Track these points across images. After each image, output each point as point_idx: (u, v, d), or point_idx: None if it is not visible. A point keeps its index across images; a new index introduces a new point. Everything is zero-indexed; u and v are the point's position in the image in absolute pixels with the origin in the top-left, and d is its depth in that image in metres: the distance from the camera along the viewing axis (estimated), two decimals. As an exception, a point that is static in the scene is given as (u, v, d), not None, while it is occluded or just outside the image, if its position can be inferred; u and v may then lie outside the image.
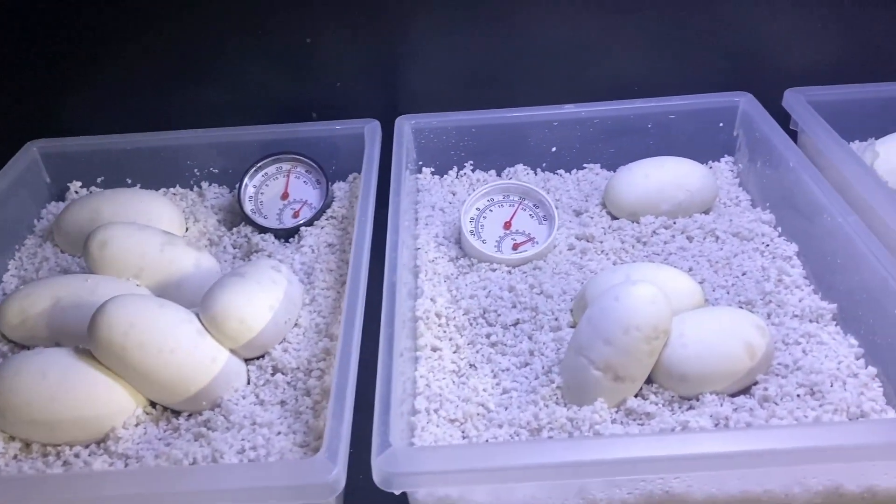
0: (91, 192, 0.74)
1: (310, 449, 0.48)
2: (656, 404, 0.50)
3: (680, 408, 0.50)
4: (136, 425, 0.51)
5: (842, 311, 0.55)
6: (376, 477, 0.40)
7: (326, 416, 0.43)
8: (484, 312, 0.59)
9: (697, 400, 0.50)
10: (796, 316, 0.56)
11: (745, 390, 0.51)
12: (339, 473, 0.40)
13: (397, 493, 0.41)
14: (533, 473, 0.40)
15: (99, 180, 0.75)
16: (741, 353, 0.49)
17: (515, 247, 0.65)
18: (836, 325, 0.55)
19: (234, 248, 0.68)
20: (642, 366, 0.49)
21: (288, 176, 0.71)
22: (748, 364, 0.49)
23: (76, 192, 0.75)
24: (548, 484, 0.43)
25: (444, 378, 0.53)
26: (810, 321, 0.55)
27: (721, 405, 0.49)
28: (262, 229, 0.68)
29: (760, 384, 0.50)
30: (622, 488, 0.43)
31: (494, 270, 0.63)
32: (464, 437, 0.49)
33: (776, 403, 0.49)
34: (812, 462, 0.41)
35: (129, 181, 0.75)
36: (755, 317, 0.52)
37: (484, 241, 0.65)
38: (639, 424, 0.49)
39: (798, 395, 0.49)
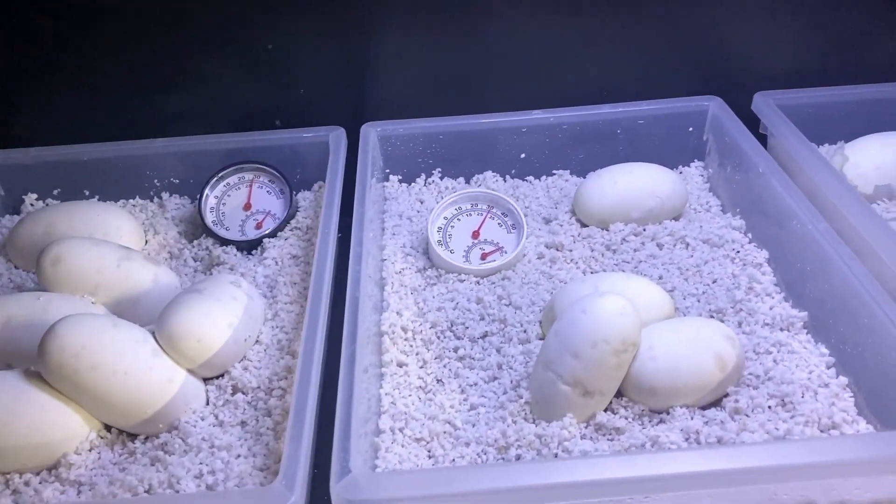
0: (47, 205, 0.72)
1: (270, 472, 0.46)
2: (626, 418, 0.49)
3: (650, 422, 0.49)
4: (90, 450, 0.49)
5: (813, 319, 0.54)
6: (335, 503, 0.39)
7: (286, 441, 0.42)
8: (451, 325, 0.57)
9: (668, 413, 0.49)
10: (767, 324, 0.55)
11: (717, 402, 0.50)
12: (295, 502, 0.38)
13: (358, 518, 0.40)
14: (498, 498, 0.39)
15: (55, 192, 0.73)
16: (711, 365, 0.48)
17: (484, 256, 0.64)
18: (807, 333, 0.54)
19: (196, 260, 0.66)
20: (611, 380, 0.48)
21: (251, 186, 0.69)
22: (719, 376, 0.48)
23: (31, 205, 0.72)
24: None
25: (409, 395, 0.52)
26: (781, 330, 0.54)
27: (692, 419, 0.48)
28: (224, 241, 0.67)
29: (731, 396, 0.49)
30: (590, 508, 0.42)
31: (462, 281, 0.62)
32: (430, 457, 0.48)
33: (747, 416, 0.48)
34: (785, 480, 0.41)
35: (87, 193, 0.73)
36: (725, 327, 0.51)
37: (452, 252, 0.64)
38: (609, 440, 0.48)
39: (769, 407, 0.49)
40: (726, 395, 0.50)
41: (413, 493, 0.39)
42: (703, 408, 0.49)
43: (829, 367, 0.51)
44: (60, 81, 0.73)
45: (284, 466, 0.40)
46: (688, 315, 0.57)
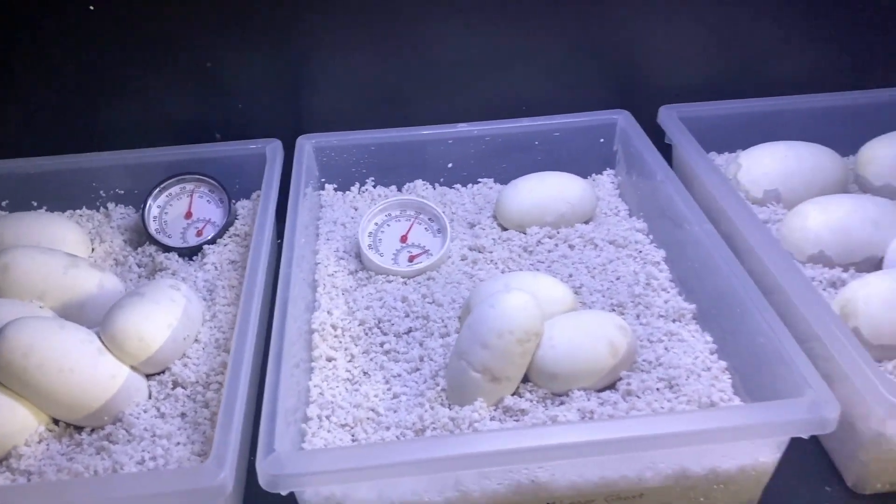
0: (-5, 216, 0.75)
1: (207, 457, 0.50)
2: (531, 401, 0.54)
3: (552, 403, 0.54)
4: (39, 442, 0.53)
5: (700, 310, 0.61)
6: (261, 480, 0.43)
7: (217, 429, 0.46)
8: (379, 322, 0.62)
9: (567, 396, 0.54)
10: (661, 316, 0.61)
11: (611, 386, 0.56)
12: (225, 478, 0.43)
13: (284, 493, 0.45)
14: (404, 469, 0.44)
15: (3, 204, 0.76)
16: (605, 352, 0.54)
17: (411, 259, 0.69)
18: (695, 323, 0.60)
19: (139, 266, 0.70)
20: (517, 367, 0.54)
21: (191, 196, 0.74)
22: (612, 362, 0.54)
23: (-21, 216, 0.75)
24: (426, 478, 0.47)
25: (337, 386, 0.57)
26: (673, 321, 0.61)
27: (588, 400, 0.54)
28: (167, 248, 0.71)
29: (624, 379, 0.55)
30: (493, 479, 0.47)
31: (391, 282, 0.67)
32: (353, 440, 0.52)
33: (638, 397, 0.54)
34: (660, 447, 0.46)
35: (35, 204, 0.76)
36: (619, 318, 0.57)
37: (381, 255, 0.69)
38: (514, 420, 0.53)
39: (657, 389, 0.55)
40: (620, 379, 0.55)
41: (329, 467, 0.44)
42: (599, 390, 0.55)
43: (711, 353, 0.57)
44: (6, 96, 0.76)
45: (216, 447, 0.44)
46: (593, 308, 0.63)
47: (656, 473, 0.49)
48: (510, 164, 0.78)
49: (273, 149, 0.75)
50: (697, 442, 0.46)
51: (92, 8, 0.71)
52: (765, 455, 0.49)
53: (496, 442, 0.45)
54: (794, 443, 0.55)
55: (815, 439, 0.57)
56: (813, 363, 0.49)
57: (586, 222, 0.73)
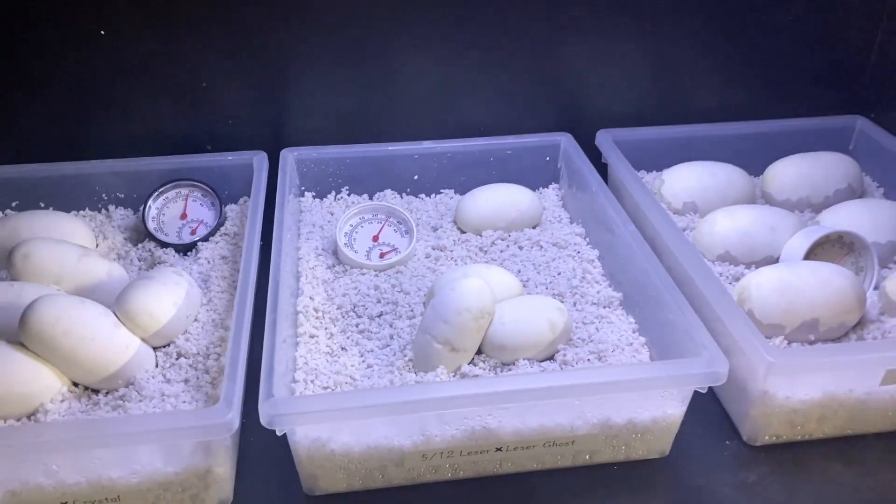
0: (6, 215, 0.83)
1: (210, 411, 0.60)
2: (484, 369, 0.65)
3: (501, 371, 0.65)
4: (62, 401, 0.61)
5: (626, 298, 0.72)
6: (263, 419, 0.53)
7: (223, 382, 0.56)
8: (354, 307, 0.72)
9: (514, 365, 0.65)
10: (594, 303, 0.72)
11: (551, 357, 0.66)
12: (233, 417, 0.52)
13: (279, 433, 0.54)
14: (377, 410, 0.54)
15: (14, 204, 0.84)
16: (545, 328, 0.65)
17: (382, 255, 0.79)
18: (621, 308, 0.72)
19: (140, 260, 0.79)
20: (472, 340, 0.64)
21: (186, 199, 0.83)
22: (550, 337, 0.65)
23: (-7, 215, 0.84)
24: (396, 423, 0.57)
25: (319, 358, 0.66)
26: (603, 307, 0.72)
27: (531, 367, 0.65)
28: (164, 244, 0.80)
29: (561, 352, 0.66)
30: (451, 425, 0.58)
31: (364, 275, 0.77)
32: (334, 399, 0.62)
33: (572, 366, 0.65)
34: (584, 395, 0.57)
35: (42, 205, 0.84)
36: (557, 302, 0.68)
37: (356, 251, 0.79)
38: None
39: (588, 360, 0.65)
40: (558, 352, 0.66)
41: (317, 408, 0.53)
42: (541, 361, 0.66)
43: (634, 332, 0.69)
44: (23, 108, 0.85)
45: (224, 394, 0.54)
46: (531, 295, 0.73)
47: (585, 422, 0.59)
48: (468, 177, 0.89)
49: (259, 160, 0.85)
50: (613, 391, 0.57)
51: (103, 33, 0.81)
52: (672, 407, 0.60)
53: (451, 389, 0.56)
54: (701, 403, 0.67)
55: (717, 401, 0.68)
56: (714, 338, 0.60)
57: (534, 227, 0.84)
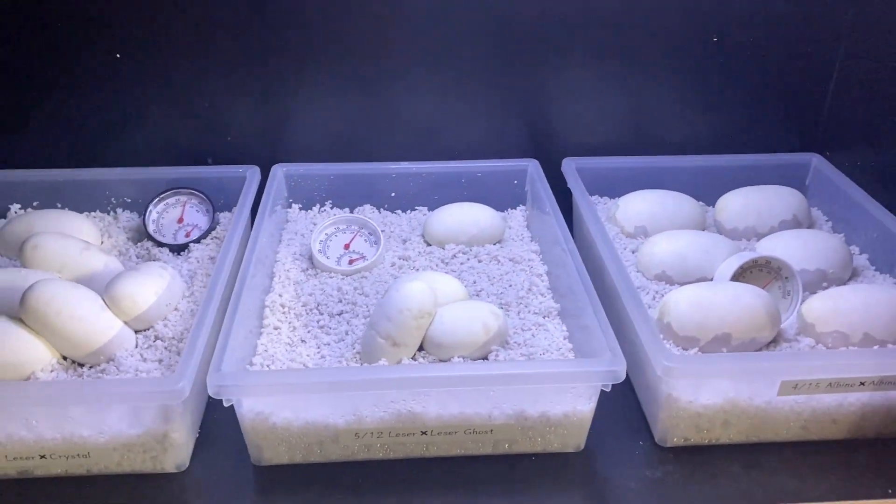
0: (27, 212, 0.94)
1: (174, 386, 0.68)
2: (422, 364, 0.72)
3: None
4: (51, 371, 0.70)
5: (563, 309, 0.79)
6: (210, 389, 0.61)
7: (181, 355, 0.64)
8: (318, 305, 0.81)
9: (450, 361, 0.72)
10: (535, 313, 0.79)
11: (485, 357, 0.73)
12: (184, 385, 0.60)
13: (226, 403, 0.62)
14: (309, 387, 0.62)
15: (35, 204, 0.95)
16: (479, 330, 0.72)
17: (351, 262, 0.88)
18: (558, 318, 0.78)
19: (138, 257, 0.89)
20: (413, 336, 0.72)
21: (184, 205, 0.93)
22: (484, 337, 0.72)
23: (15, 212, 0.94)
24: (331, 402, 0.64)
25: (279, 347, 0.74)
26: (543, 316, 0.79)
27: (463, 364, 0.72)
28: (160, 244, 0.89)
29: (494, 352, 0.73)
30: (379, 408, 0.65)
31: (332, 278, 0.85)
32: (285, 382, 0.70)
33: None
34: (498, 384, 0.64)
35: (59, 205, 0.95)
36: (493, 307, 0.75)
37: (328, 257, 0.88)
38: (407, 376, 0.71)
39: (519, 360, 0.72)
40: (491, 352, 0.73)
41: (257, 381, 0.62)
42: (474, 359, 0.73)
43: (564, 339, 0.75)
44: (45, 121, 0.96)
45: (179, 364, 0.62)
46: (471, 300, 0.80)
47: (501, 413, 0.66)
48: (441, 196, 0.97)
49: (252, 173, 0.94)
50: (519, 382, 0.63)
51: (119, 56, 0.92)
52: (581, 404, 0.66)
53: (379, 372, 0.63)
54: (621, 405, 0.73)
55: (637, 404, 0.74)
56: (631, 346, 0.66)
57: (495, 244, 0.92)
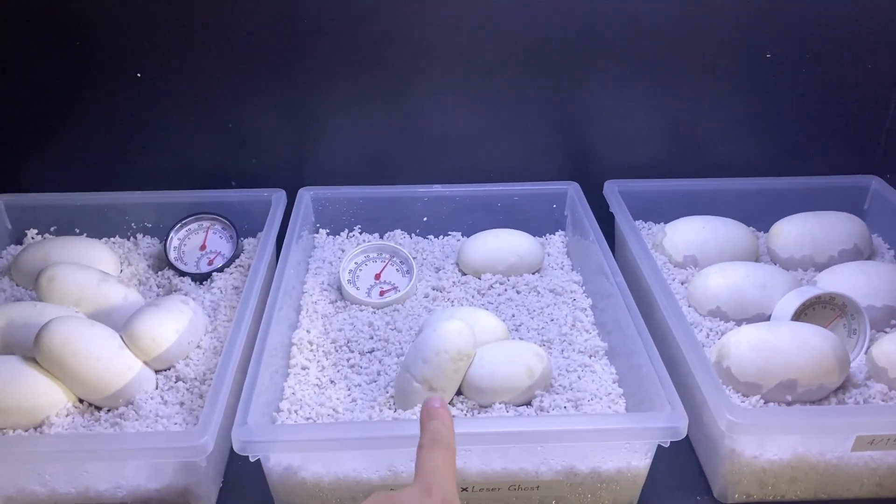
0: (44, 238, 0.90)
1: (197, 434, 0.64)
2: (461, 410, 0.67)
3: (478, 412, 0.67)
4: (66, 416, 0.66)
5: (611, 348, 0.73)
6: (235, 445, 0.56)
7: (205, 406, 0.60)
8: (348, 342, 0.76)
9: (490, 408, 0.67)
10: (581, 352, 0.74)
11: (528, 402, 0.68)
12: (207, 440, 0.56)
13: (252, 459, 0.58)
14: (341, 444, 0.57)
15: (52, 229, 0.91)
16: (522, 374, 0.67)
17: (382, 293, 0.83)
18: (606, 358, 0.73)
19: (159, 287, 0.85)
20: (450, 380, 0.67)
21: (207, 231, 0.88)
22: (527, 382, 0.67)
23: (32, 238, 0.91)
24: (364, 456, 0.60)
25: (307, 389, 0.70)
26: (589, 356, 0.73)
27: (507, 412, 0.67)
28: (182, 273, 0.85)
29: (539, 398, 0.68)
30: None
31: (362, 311, 0.81)
32: (314, 430, 0.65)
33: (547, 412, 0.67)
34: (548, 441, 0.59)
35: (77, 231, 0.91)
36: (537, 347, 0.70)
37: (358, 288, 0.83)
38: (445, 424, 0.66)
39: (565, 407, 0.67)
40: (535, 397, 0.68)
41: (285, 437, 0.57)
42: (518, 405, 0.68)
43: (614, 382, 0.70)
44: (62, 141, 0.92)
45: (202, 417, 0.57)
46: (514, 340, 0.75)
47: (549, 468, 0.61)
48: (475, 221, 0.92)
49: (278, 197, 0.90)
50: (572, 440, 0.58)
51: (139, 76, 0.88)
52: (636, 459, 0.61)
53: (416, 427, 0.58)
54: (679, 458, 0.68)
55: (693, 456, 0.69)
56: (690, 394, 0.61)
57: (534, 273, 0.87)
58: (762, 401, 0.66)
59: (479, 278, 0.85)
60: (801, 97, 0.92)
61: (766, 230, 0.90)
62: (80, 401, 0.68)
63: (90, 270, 0.78)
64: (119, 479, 0.59)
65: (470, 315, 0.73)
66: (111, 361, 0.67)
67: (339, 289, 0.84)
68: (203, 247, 0.88)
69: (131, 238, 0.92)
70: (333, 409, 0.67)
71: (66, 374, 0.66)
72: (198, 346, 0.74)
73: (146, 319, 0.70)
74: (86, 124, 0.91)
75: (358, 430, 0.59)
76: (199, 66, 0.88)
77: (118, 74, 0.88)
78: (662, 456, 0.62)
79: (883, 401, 0.66)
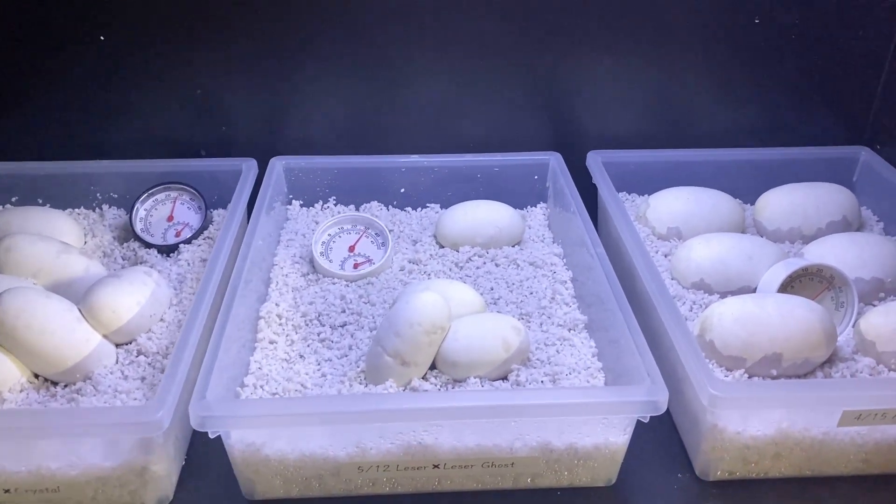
0: (4, 208, 0.86)
1: (157, 410, 0.61)
2: (434, 385, 0.64)
3: (451, 387, 0.64)
4: (21, 391, 0.63)
5: (590, 321, 0.71)
6: (192, 420, 0.54)
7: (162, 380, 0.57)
8: (318, 315, 0.73)
9: (465, 382, 0.65)
10: (560, 325, 0.71)
11: (504, 377, 0.66)
12: (163, 416, 0.53)
13: (211, 435, 0.55)
14: (304, 419, 0.54)
15: (13, 199, 0.87)
16: (498, 347, 0.64)
17: (356, 266, 0.80)
18: (586, 332, 0.71)
19: (124, 259, 0.81)
20: (424, 354, 0.64)
21: (174, 202, 0.85)
22: (503, 356, 0.64)
23: (-8, 209, 0.87)
24: (330, 433, 0.57)
25: (274, 364, 0.67)
26: (568, 329, 0.71)
27: (482, 386, 0.64)
28: (148, 245, 0.82)
29: (515, 372, 0.65)
30: (386, 439, 0.57)
31: (335, 284, 0.78)
32: (280, 405, 0.63)
33: (524, 386, 0.64)
34: (522, 416, 0.56)
35: (40, 201, 0.87)
36: (514, 320, 0.67)
37: (331, 261, 0.80)
38: (417, 399, 0.63)
39: (542, 382, 0.65)
40: (511, 371, 0.65)
41: (248, 412, 0.54)
42: (493, 380, 0.65)
43: (593, 356, 0.67)
44: (25, 109, 0.89)
45: (159, 392, 0.55)
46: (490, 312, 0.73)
47: (524, 444, 0.58)
48: (454, 192, 0.89)
49: (248, 166, 0.86)
50: (545, 414, 0.56)
51: (102, 38, 0.84)
52: (614, 435, 0.59)
53: (385, 402, 0.56)
54: (660, 434, 0.65)
55: (675, 433, 0.67)
56: (672, 369, 0.58)
57: (514, 245, 0.84)
58: (746, 375, 0.63)
59: (458, 251, 0.82)
60: (789, 65, 0.89)
61: (753, 202, 0.87)
62: (36, 376, 0.65)
63: (50, 241, 0.74)
64: (72, 456, 0.56)
65: (446, 287, 0.70)
66: (67, 334, 0.64)
67: (312, 261, 0.81)
68: (170, 218, 0.84)
69: (97, 209, 0.89)
70: (301, 385, 0.65)
71: (20, 348, 0.63)
72: (161, 320, 0.70)
73: (106, 291, 0.67)
74: (48, 90, 0.87)
75: (323, 404, 0.56)
76: (166, 28, 0.84)
77: (81, 37, 0.84)
78: (642, 432, 0.60)
79: (870, 375, 0.64)
